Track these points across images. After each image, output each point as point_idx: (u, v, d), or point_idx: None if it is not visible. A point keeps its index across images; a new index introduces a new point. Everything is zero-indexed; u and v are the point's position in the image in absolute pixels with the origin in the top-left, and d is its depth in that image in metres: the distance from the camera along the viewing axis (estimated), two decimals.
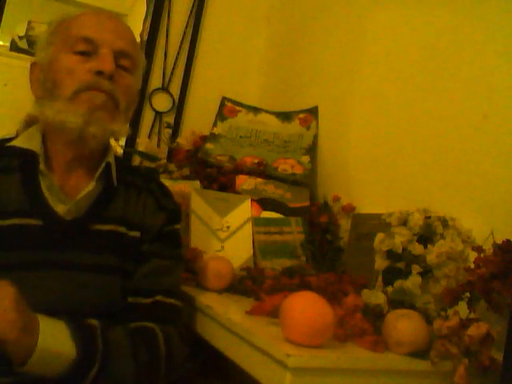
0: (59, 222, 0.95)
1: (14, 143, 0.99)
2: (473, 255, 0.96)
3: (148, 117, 1.98)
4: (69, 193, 0.98)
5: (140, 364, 0.91)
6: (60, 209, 0.96)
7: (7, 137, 1.02)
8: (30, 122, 1.03)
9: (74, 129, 0.94)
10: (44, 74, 0.98)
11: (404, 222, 1.07)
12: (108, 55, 0.96)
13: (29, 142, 0.99)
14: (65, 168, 0.99)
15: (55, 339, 0.83)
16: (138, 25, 2.00)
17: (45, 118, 0.96)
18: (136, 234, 1.01)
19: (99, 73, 0.94)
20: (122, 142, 1.83)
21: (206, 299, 1.10)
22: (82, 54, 0.96)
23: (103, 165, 1.00)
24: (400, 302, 1.00)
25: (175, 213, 1.09)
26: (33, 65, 1.02)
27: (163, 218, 1.05)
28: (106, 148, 1.02)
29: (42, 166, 0.96)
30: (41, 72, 0.99)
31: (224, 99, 1.97)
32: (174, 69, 2.00)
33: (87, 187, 0.97)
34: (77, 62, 0.96)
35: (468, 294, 0.93)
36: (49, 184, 0.96)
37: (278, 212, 1.52)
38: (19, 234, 0.93)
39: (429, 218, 1.07)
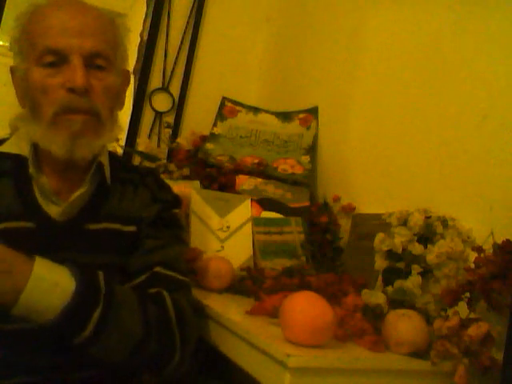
0: (52, 224, 0.95)
1: (2, 149, 0.98)
2: (473, 255, 0.96)
3: (148, 117, 1.98)
4: (62, 194, 0.97)
5: (150, 320, 0.88)
6: (53, 211, 0.95)
7: (1, 137, 1.01)
8: (16, 127, 1.01)
9: (59, 156, 0.93)
10: (23, 84, 0.96)
11: (404, 222, 1.07)
12: (77, 67, 0.91)
13: (18, 145, 0.98)
14: (56, 170, 0.97)
15: (51, 271, 0.81)
16: (138, 25, 2.00)
17: (31, 136, 0.96)
18: (132, 228, 1.01)
19: (71, 90, 0.91)
20: (122, 142, 1.83)
21: (206, 299, 1.10)
22: (52, 65, 0.92)
23: (94, 165, 0.99)
24: (400, 302, 1.00)
25: (172, 201, 1.08)
26: (12, 69, 0.99)
27: (158, 208, 1.04)
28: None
29: (31, 170, 0.95)
30: (20, 80, 0.97)
31: (224, 99, 1.97)
32: (174, 69, 2.00)
33: (80, 189, 0.97)
34: (47, 76, 0.92)
35: (468, 294, 0.92)
36: (41, 187, 0.96)
37: (278, 212, 1.51)
38: (12, 238, 0.89)
39: (429, 217, 1.07)
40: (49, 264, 0.82)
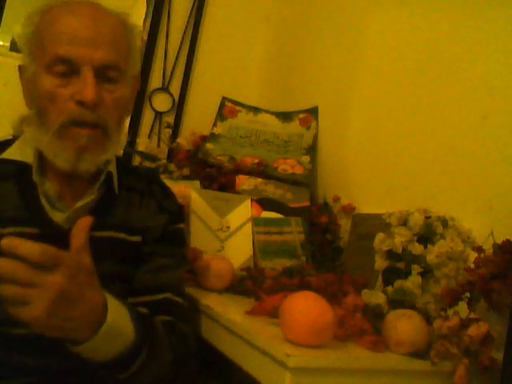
0: (56, 230, 0.93)
1: (6, 155, 0.96)
2: (473, 255, 0.96)
3: (148, 117, 1.98)
4: (66, 200, 0.96)
5: (175, 354, 0.92)
6: (57, 217, 0.94)
7: (5, 138, 1.00)
8: (22, 130, 0.99)
9: (63, 169, 0.92)
10: (31, 87, 0.94)
11: (404, 222, 1.07)
12: (88, 79, 0.89)
13: (22, 151, 0.97)
14: (61, 177, 0.96)
15: (119, 320, 0.81)
16: (138, 25, 2.00)
17: (36, 143, 0.95)
18: (137, 238, 1.00)
19: (81, 103, 0.89)
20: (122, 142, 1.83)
21: (206, 299, 1.10)
22: (62, 74, 0.90)
23: (103, 176, 0.98)
24: (400, 302, 1.00)
25: (177, 213, 1.08)
26: (21, 68, 0.97)
27: (165, 219, 1.04)
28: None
29: (34, 177, 0.94)
30: (28, 82, 0.95)
31: (224, 99, 1.97)
32: (173, 69, 2.00)
33: (87, 196, 0.96)
34: (57, 86, 0.90)
35: (468, 294, 0.92)
36: (45, 192, 0.95)
37: (278, 212, 1.52)
38: None
39: (429, 218, 1.07)
40: (118, 309, 0.82)
